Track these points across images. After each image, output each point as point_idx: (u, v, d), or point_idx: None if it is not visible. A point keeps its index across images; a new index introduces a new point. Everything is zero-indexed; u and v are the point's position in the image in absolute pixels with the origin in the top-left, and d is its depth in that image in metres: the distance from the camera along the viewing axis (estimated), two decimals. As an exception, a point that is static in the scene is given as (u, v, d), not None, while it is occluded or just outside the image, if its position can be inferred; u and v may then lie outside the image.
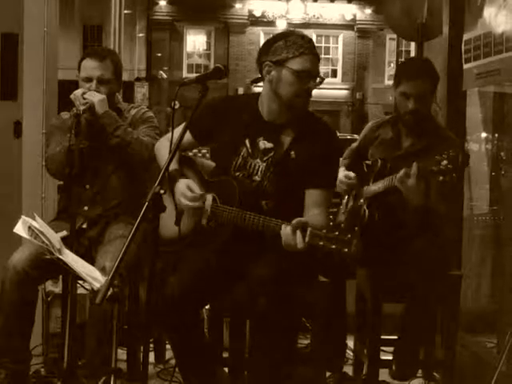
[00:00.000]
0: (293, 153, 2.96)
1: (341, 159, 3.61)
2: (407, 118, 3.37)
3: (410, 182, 3.06)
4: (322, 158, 2.94)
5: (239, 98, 3.26)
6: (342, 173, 3.51)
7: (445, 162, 2.90)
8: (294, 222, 2.67)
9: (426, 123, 3.40)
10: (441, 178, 2.93)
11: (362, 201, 3.42)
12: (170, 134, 2.76)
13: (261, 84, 3.01)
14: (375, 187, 3.35)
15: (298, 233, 2.63)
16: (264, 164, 2.97)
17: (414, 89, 3.31)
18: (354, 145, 3.73)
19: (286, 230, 2.69)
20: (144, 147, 3.38)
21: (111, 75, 3.47)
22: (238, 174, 2.99)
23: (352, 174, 3.51)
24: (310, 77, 2.90)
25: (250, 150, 2.99)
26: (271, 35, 3.17)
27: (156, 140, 3.39)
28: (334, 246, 2.55)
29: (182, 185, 2.96)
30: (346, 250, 2.53)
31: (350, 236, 2.54)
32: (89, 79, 3.44)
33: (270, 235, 2.77)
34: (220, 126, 3.04)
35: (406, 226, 3.30)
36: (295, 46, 2.88)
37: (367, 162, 3.53)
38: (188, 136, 3.03)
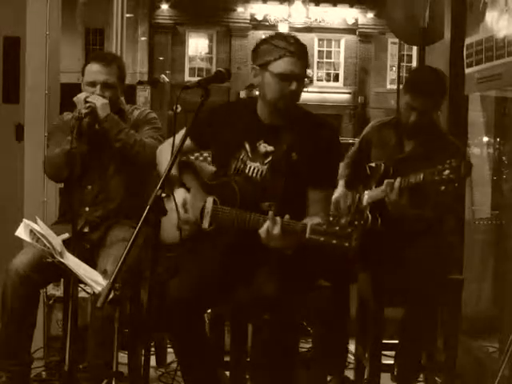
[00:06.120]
0: (294, 154, 2.93)
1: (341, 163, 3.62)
2: (409, 127, 3.37)
3: (392, 196, 3.10)
4: (323, 157, 2.92)
5: (238, 103, 3.25)
6: (340, 188, 3.53)
7: (447, 172, 2.88)
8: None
9: (428, 129, 3.39)
10: (442, 187, 2.91)
11: (364, 204, 3.41)
12: (171, 139, 2.76)
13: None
14: (377, 192, 3.34)
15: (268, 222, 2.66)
16: (265, 167, 2.95)
17: (420, 105, 3.30)
18: (357, 146, 3.73)
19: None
20: (147, 149, 3.37)
21: (116, 80, 3.46)
22: (237, 177, 2.98)
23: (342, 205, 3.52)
24: (291, 79, 2.85)
25: (249, 154, 2.97)
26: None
27: (159, 141, 3.39)
28: (334, 241, 2.55)
29: (179, 199, 2.95)
30: (347, 244, 2.54)
31: (350, 230, 2.54)
32: (93, 84, 3.41)
33: None
34: (219, 131, 3.04)
35: (407, 231, 3.30)
36: (277, 48, 2.85)
37: (371, 164, 3.52)
38: (188, 141, 2.99)
